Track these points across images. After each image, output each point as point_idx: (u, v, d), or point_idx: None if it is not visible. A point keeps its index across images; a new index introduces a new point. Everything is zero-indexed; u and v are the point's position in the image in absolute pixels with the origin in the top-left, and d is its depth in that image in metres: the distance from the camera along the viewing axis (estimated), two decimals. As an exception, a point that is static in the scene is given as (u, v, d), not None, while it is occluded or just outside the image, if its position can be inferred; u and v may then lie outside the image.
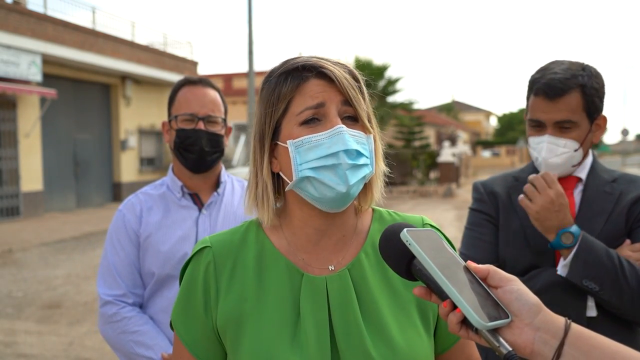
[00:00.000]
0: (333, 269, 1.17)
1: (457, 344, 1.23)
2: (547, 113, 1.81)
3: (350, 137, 1.10)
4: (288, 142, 1.12)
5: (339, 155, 1.09)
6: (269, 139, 1.16)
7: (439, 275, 0.89)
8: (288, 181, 1.14)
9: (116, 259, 2.11)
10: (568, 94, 1.77)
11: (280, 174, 1.16)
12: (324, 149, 1.09)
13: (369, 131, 1.15)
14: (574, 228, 1.74)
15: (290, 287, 1.14)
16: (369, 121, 1.16)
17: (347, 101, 1.12)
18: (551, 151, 1.82)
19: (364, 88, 1.17)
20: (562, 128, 1.81)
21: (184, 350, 1.18)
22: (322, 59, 1.15)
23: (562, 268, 1.75)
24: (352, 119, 1.14)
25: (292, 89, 1.13)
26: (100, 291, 2.11)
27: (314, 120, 1.12)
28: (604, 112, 1.88)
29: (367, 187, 1.19)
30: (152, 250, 2.10)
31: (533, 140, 1.88)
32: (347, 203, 1.14)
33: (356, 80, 1.16)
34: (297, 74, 1.13)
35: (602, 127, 1.87)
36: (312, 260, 1.17)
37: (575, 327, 0.86)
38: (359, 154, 1.11)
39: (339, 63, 1.16)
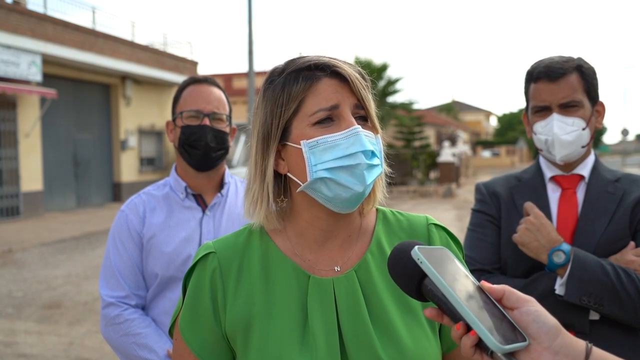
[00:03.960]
0: (339, 269, 1.15)
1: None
2: (551, 95, 1.84)
3: (365, 138, 1.10)
4: (302, 142, 1.10)
5: (357, 156, 1.08)
6: (276, 140, 1.13)
7: (453, 295, 0.83)
8: (299, 182, 1.12)
9: (119, 260, 2.08)
10: (568, 74, 1.84)
11: (289, 175, 1.14)
12: (341, 150, 1.08)
13: (377, 131, 1.15)
14: (564, 245, 1.74)
15: (297, 289, 1.13)
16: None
17: (359, 102, 1.12)
18: (561, 128, 1.83)
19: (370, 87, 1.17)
20: (567, 109, 1.84)
21: (190, 357, 1.16)
22: (333, 58, 1.14)
23: (559, 287, 1.75)
24: (363, 119, 1.13)
25: (304, 89, 1.10)
26: (103, 293, 2.08)
27: (327, 121, 1.10)
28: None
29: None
30: (155, 251, 2.07)
31: (539, 125, 1.88)
32: (359, 203, 1.13)
33: (364, 79, 1.15)
34: (308, 73, 1.11)
35: (602, 113, 1.92)
36: (318, 261, 1.16)
37: (596, 351, 0.83)
38: (373, 154, 1.11)
39: (346, 63, 1.14)
